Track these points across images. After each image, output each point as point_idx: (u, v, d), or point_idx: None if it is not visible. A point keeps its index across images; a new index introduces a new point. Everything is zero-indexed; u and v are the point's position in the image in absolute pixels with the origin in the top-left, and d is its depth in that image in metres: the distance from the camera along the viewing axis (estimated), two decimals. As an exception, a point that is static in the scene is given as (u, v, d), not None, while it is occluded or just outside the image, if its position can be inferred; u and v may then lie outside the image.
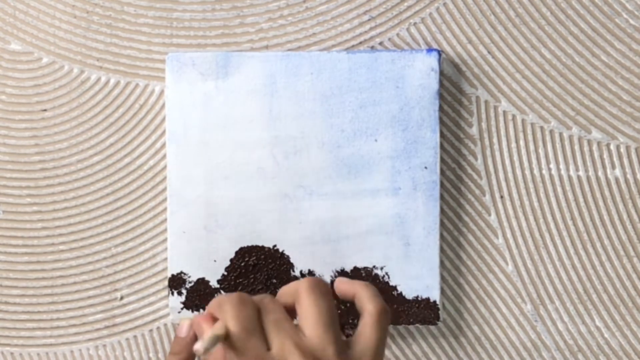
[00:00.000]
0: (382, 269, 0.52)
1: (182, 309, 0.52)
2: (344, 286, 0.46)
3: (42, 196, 0.54)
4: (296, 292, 0.42)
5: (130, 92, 0.54)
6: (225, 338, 0.40)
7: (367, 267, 0.52)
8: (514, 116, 0.53)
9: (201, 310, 0.52)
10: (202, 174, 0.52)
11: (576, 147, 0.53)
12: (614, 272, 0.53)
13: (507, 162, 0.53)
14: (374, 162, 0.51)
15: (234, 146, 0.52)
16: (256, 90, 0.52)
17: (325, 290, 0.42)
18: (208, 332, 0.40)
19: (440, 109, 0.52)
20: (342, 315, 0.51)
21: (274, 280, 0.52)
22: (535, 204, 0.53)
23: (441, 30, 0.53)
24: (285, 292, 0.43)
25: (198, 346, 0.39)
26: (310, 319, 0.41)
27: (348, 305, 0.51)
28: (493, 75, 0.53)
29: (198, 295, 0.52)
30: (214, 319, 0.42)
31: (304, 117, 0.52)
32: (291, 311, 0.43)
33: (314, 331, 0.40)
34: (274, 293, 0.50)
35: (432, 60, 0.51)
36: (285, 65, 0.52)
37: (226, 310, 0.41)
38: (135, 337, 0.54)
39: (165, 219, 0.53)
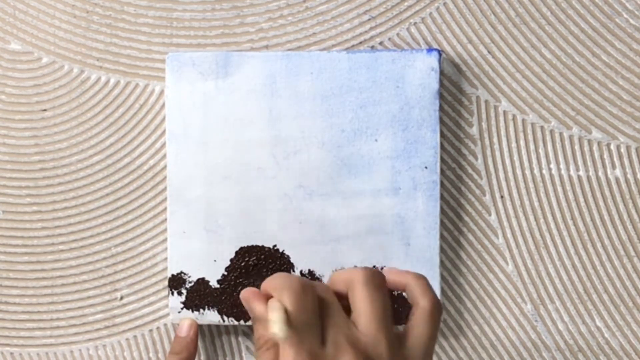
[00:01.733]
0: (382, 269, 0.51)
1: (182, 309, 0.52)
2: (394, 277, 0.43)
3: (42, 196, 0.54)
4: (351, 282, 0.41)
5: (130, 92, 0.54)
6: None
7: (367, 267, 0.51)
8: (514, 116, 0.53)
9: (201, 310, 0.52)
10: (202, 174, 0.52)
11: (576, 147, 0.53)
12: (614, 272, 0.53)
13: (507, 162, 0.53)
14: (374, 162, 0.51)
15: (234, 146, 0.52)
16: (256, 90, 0.52)
17: (380, 283, 0.41)
18: (264, 312, 0.38)
19: (441, 108, 0.52)
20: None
21: (274, 280, 0.52)
22: (536, 204, 0.53)
23: (441, 30, 0.53)
24: (339, 279, 0.41)
25: (276, 329, 0.37)
26: (365, 314, 0.39)
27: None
28: (493, 75, 0.53)
29: (198, 295, 0.52)
30: (266, 298, 0.40)
31: (304, 117, 0.52)
32: (342, 297, 0.41)
33: (367, 327, 0.39)
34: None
35: (433, 60, 0.51)
36: (285, 65, 0.52)
37: (288, 297, 0.39)
38: (135, 337, 0.54)
39: (165, 219, 0.53)
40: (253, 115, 0.52)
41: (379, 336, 0.39)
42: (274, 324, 0.38)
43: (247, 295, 0.41)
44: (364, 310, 0.40)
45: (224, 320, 0.52)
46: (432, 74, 0.51)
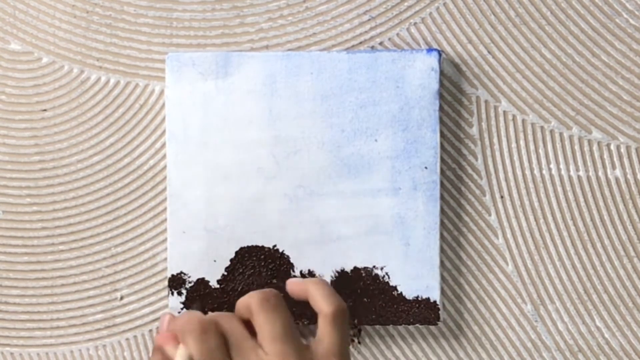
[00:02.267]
0: (382, 269, 0.52)
1: (182, 309, 0.52)
2: (295, 287, 0.45)
3: (42, 196, 0.54)
4: (248, 308, 0.42)
5: (130, 92, 0.54)
6: None
7: (367, 267, 0.52)
8: (514, 116, 0.53)
9: (201, 310, 0.52)
10: (202, 174, 0.52)
11: (576, 147, 0.53)
12: (614, 272, 0.53)
13: (507, 162, 0.53)
14: (374, 162, 0.51)
15: (234, 146, 0.52)
16: (256, 90, 0.52)
17: (276, 303, 0.42)
18: (175, 355, 0.41)
19: (441, 108, 0.52)
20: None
21: (274, 280, 0.52)
22: (536, 204, 0.53)
23: (441, 30, 0.53)
24: (241, 306, 0.43)
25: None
26: (267, 335, 0.41)
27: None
28: (493, 75, 0.53)
29: (198, 295, 0.52)
30: (177, 340, 0.42)
31: (304, 117, 0.52)
32: (250, 323, 0.42)
33: (273, 347, 0.40)
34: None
35: (432, 60, 0.51)
36: (285, 65, 0.52)
37: (189, 342, 0.41)
38: (135, 337, 0.54)
39: (165, 219, 0.53)
40: (253, 115, 0.52)
41: (285, 354, 0.40)
42: None
43: (160, 341, 0.43)
44: (266, 332, 0.41)
45: (224, 320, 0.52)
46: (432, 74, 0.51)
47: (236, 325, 0.42)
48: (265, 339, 0.41)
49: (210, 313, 0.44)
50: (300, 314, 0.51)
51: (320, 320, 0.42)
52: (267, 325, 0.41)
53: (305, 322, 0.52)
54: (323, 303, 0.42)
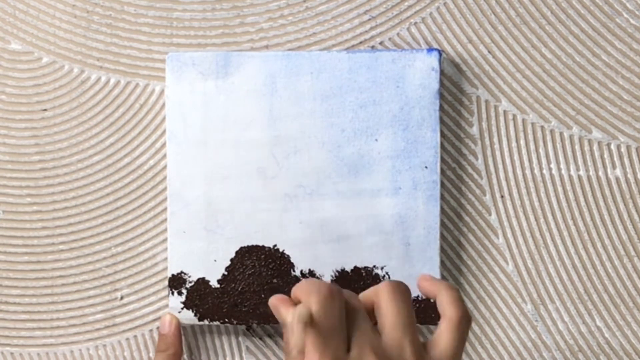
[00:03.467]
0: (382, 269, 0.51)
1: (182, 308, 0.52)
2: (427, 285, 0.44)
3: (42, 196, 0.54)
4: (376, 293, 0.41)
5: (130, 92, 0.54)
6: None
7: (367, 267, 0.52)
8: (514, 116, 0.53)
9: (202, 310, 0.52)
10: (202, 174, 0.52)
11: (576, 147, 0.53)
12: (614, 272, 0.53)
13: (508, 161, 0.53)
14: (374, 161, 0.51)
15: (234, 146, 0.52)
16: (256, 90, 0.52)
17: (405, 293, 0.42)
18: (291, 318, 0.39)
19: (441, 108, 0.52)
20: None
21: (274, 280, 0.52)
22: (536, 204, 0.53)
23: (442, 30, 0.53)
24: (366, 294, 0.42)
25: (290, 318, 0.38)
26: (389, 320, 0.40)
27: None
28: (493, 75, 0.53)
29: (198, 295, 0.52)
30: (294, 304, 0.41)
31: (304, 117, 0.52)
32: (370, 314, 0.42)
33: (392, 333, 0.40)
34: (274, 294, 0.50)
35: (433, 60, 0.51)
36: (285, 65, 0.52)
37: (315, 301, 0.39)
38: (135, 337, 0.54)
39: (165, 219, 0.53)
40: (253, 115, 0.52)
41: (403, 344, 0.40)
42: (294, 313, 0.38)
43: (274, 302, 0.42)
44: (389, 318, 0.40)
45: (224, 321, 0.52)
46: (432, 74, 0.51)
47: (359, 304, 0.41)
48: (387, 326, 0.40)
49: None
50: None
51: (443, 324, 0.42)
52: (392, 311, 0.40)
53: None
54: (450, 307, 0.42)
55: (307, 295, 0.40)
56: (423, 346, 0.41)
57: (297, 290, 0.41)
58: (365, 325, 0.40)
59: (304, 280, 0.41)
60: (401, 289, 0.42)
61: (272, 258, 0.52)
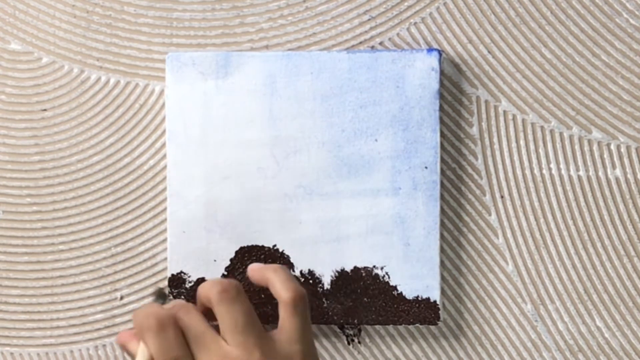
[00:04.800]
0: (382, 269, 0.51)
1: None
2: (256, 273, 0.45)
3: (42, 196, 0.54)
4: (209, 301, 0.42)
5: (130, 92, 0.54)
6: None
7: (367, 267, 0.52)
8: (514, 116, 0.53)
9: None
10: (202, 174, 0.52)
11: (576, 147, 0.53)
12: (614, 272, 0.53)
13: (508, 162, 0.53)
14: (374, 162, 0.51)
15: (234, 146, 0.52)
16: (256, 90, 0.52)
17: (236, 293, 0.42)
18: (136, 353, 0.40)
19: (441, 108, 0.52)
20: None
21: (274, 280, 0.52)
22: (536, 204, 0.53)
23: (441, 30, 0.53)
24: (202, 296, 0.43)
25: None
26: (228, 327, 0.41)
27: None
28: (493, 75, 0.53)
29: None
30: (138, 339, 0.42)
31: (304, 117, 0.52)
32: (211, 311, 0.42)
33: (235, 340, 0.40)
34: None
35: (433, 60, 0.51)
36: (285, 65, 0.52)
37: (148, 339, 0.40)
38: (135, 337, 0.54)
39: (165, 219, 0.53)
40: (253, 115, 0.52)
41: (248, 345, 0.40)
42: None
43: (122, 339, 0.43)
44: (227, 325, 0.41)
45: (224, 320, 0.52)
46: (432, 74, 0.51)
47: (195, 318, 0.41)
48: (227, 331, 0.41)
49: (169, 303, 0.44)
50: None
51: (280, 308, 0.42)
52: (227, 316, 0.41)
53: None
54: (282, 290, 0.42)
55: (141, 333, 0.41)
56: (269, 338, 0.41)
57: (134, 321, 0.42)
58: (208, 339, 0.41)
59: (137, 311, 0.42)
60: (230, 291, 0.42)
61: (272, 258, 0.52)
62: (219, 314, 0.41)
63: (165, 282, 0.54)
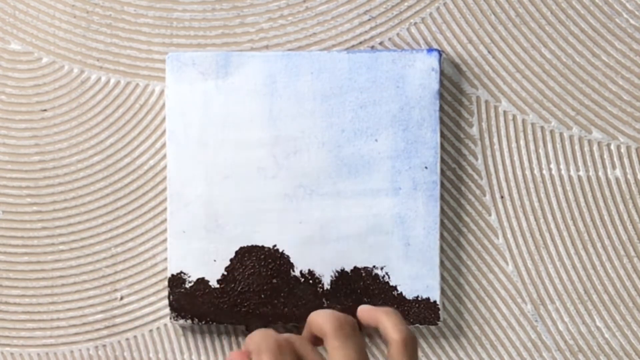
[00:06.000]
0: (382, 269, 0.52)
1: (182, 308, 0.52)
2: (366, 315, 0.45)
3: (42, 196, 0.54)
4: (323, 333, 0.42)
5: (130, 92, 0.54)
6: None
7: (367, 267, 0.52)
8: (514, 116, 0.53)
9: (201, 310, 0.52)
10: (202, 174, 0.52)
11: (576, 147, 0.53)
12: (614, 272, 0.53)
13: (508, 162, 0.53)
14: (374, 162, 0.51)
15: (234, 146, 0.52)
16: (256, 90, 0.52)
17: (351, 330, 0.42)
18: None
19: (441, 109, 0.52)
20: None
21: (274, 280, 0.52)
22: (536, 204, 0.53)
23: (441, 30, 0.53)
24: (313, 325, 0.43)
25: None
26: None
27: None
28: (493, 75, 0.53)
29: (198, 296, 0.52)
30: (249, 358, 0.42)
31: (304, 117, 0.52)
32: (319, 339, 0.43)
33: None
34: (274, 294, 0.50)
35: (433, 60, 0.51)
36: (285, 65, 0.52)
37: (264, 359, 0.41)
38: (135, 337, 0.54)
39: (165, 219, 0.53)
40: (253, 115, 0.52)
41: None
42: None
43: (233, 358, 0.43)
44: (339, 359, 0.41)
45: (223, 321, 0.52)
46: (432, 74, 0.51)
47: (310, 348, 0.42)
48: None
49: (283, 335, 0.44)
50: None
51: (391, 348, 0.43)
52: (341, 352, 0.41)
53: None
54: (393, 332, 0.43)
55: (258, 354, 0.41)
56: None
57: (249, 345, 0.42)
58: None
59: (254, 334, 0.42)
60: (345, 327, 0.42)
61: (272, 258, 0.52)
62: (332, 347, 0.42)
63: (165, 282, 0.54)
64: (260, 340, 0.42)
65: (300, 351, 0.42)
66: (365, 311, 0.46)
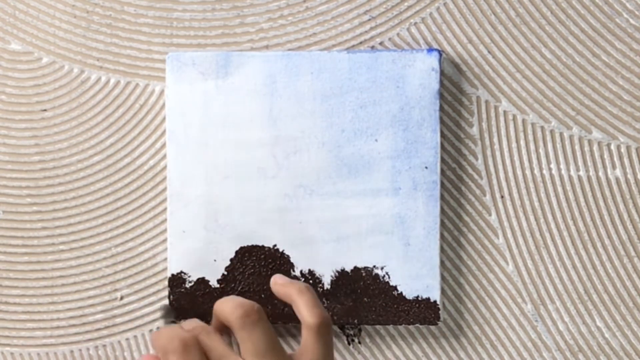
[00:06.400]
0: (382, 269, 0.52)
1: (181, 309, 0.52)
2: (280, 289, 0.45)
3: (42, 196, 0.54)
4: (229, 323, 0.42)
5: (130, 92, 0.54)
6: None
7: (367, 267, 0.52)
8: (514, 116, 0.53)
9: (201, 310, 0.52)
10: (202, 173, 0.52)
11: (576, 147, 0.53)
12: (614, 272, 0.53)
13: (508, 162, 0.53)
14: (374, 162, 0.51)
15: (234, 146, 0.52)
16: (256, 90, 0.52)
17: (257, 318, 0.42)
18: None
19: (441, 108, 0.52)
20: (342, 315, 0.51)
21: (274, 280, 0.52)
22: (536, 204, 0.53)
23: (441, 30, 0.53)
24: (219, 315, 0.43)
25: None
26: (249, 352, 0.41)
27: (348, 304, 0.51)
28: (493, 75, 0.53)
29: (198, 295, 0.52)
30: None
31: (304, 117, 0.52)
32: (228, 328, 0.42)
33: None
34: (274, 294, 0.50)
35: (433, 60, 0.51)
36: (285, 65, 0.52)
37: None
38: (135, 337, 0.54)
39: (165, 219, 0.53)
40: (253, 115, 0.52)
41: None
42: None
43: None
44: (249, 349, 0.41)
45: (224, 320, 0.52)
46: (433, 74, 0.51)
47: (217, 340, 0.42)
48: (248, 355, 0.41)
49: (186, 323, 0.44)
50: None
51: (304, 331, 0.42)
52: (249, 341, 0.41)
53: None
54: (307, 314, 0.42)
55: (166, 354, 0.40)
56: (290, 358, 0.41)
57: (156, 347, 0.41)
58: (227, 359, 0.41)
59: (159, 332, 0.42)
60: (250, 316, 0.41)
61: (272, 258, 0.52)
62: (240, 338, 0.41)
63: (165, 282, 0.54)
64: (166, 342, 0.41)
65: (207, 344, 0.41)
66: (279, 285, 0.45)
